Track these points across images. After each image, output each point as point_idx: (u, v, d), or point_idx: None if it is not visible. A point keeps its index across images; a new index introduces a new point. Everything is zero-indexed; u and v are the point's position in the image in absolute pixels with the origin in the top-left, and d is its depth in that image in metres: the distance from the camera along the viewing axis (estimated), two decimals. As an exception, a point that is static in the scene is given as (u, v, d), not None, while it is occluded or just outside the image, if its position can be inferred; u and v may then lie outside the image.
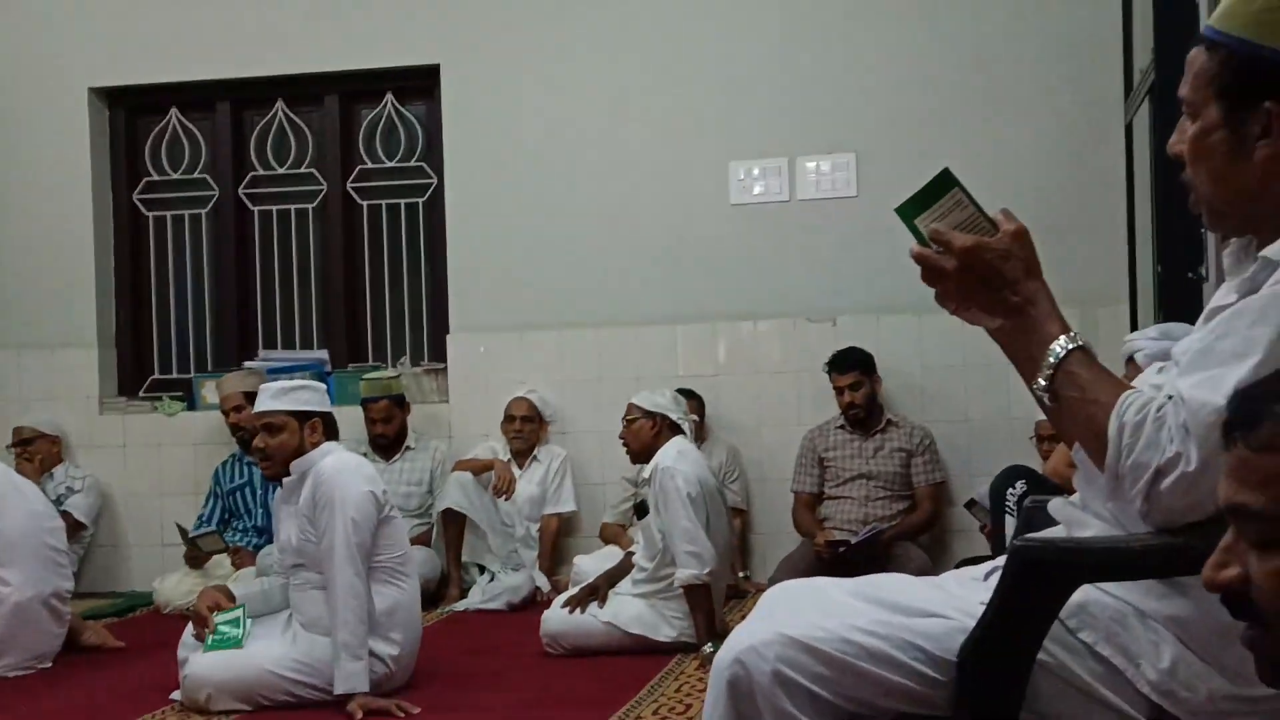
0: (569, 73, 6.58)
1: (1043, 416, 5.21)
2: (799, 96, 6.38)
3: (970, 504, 5.66)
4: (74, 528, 6.36)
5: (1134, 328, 5.41)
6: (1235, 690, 1.65)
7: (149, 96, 7.13)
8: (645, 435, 4.94)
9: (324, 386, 4.43)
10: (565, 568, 6.14)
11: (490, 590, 5.89)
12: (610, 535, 6.16)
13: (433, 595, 5.85)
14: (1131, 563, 1.64)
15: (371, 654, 4.10)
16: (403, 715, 4.01)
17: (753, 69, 6.43)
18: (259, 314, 7.15)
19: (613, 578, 5.06)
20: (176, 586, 6.07)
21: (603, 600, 4.94)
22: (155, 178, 7.22)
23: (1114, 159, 5.93)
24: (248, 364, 6.82)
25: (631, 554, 5.13)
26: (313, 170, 7.09)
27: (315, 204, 7.09)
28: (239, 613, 4.21)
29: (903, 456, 5.90)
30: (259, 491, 6.31)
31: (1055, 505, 1.89)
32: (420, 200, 7.00)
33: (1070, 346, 1.72)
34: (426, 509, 6.32)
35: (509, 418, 6.35)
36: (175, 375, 7.18)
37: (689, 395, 6.14)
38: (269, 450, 4.23)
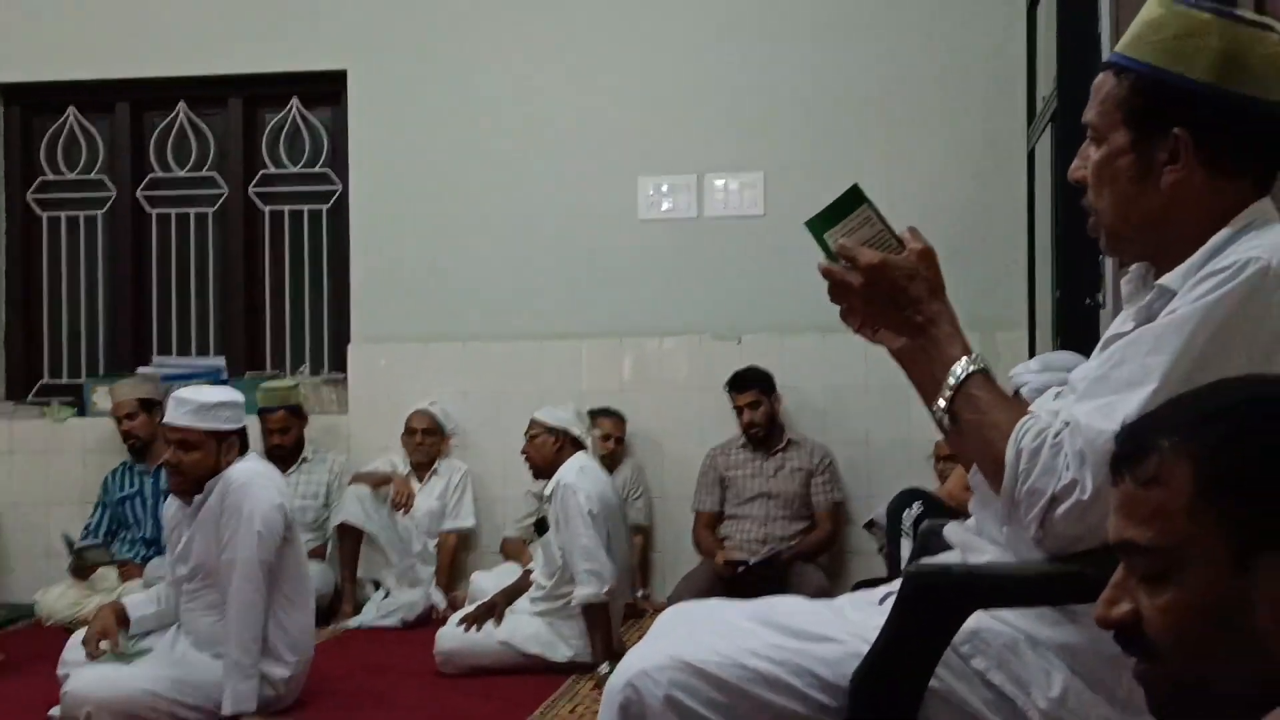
0: (478, 82, 6.53)
1: (941, 437, 5.33)
2: (709, 114, 6.39)
3: (869, 524, 5.68)
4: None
5: (1032, 353, 5.47)
6: (1124, 719, 1.64)
7: (46, 94, 6.95)
8: (547, 451, 4.90)
9: (242, 399, 4.24)
10: (463, 584, 6.05)
11: (385, 607, 5.79)
12: (512, 550, 6.10)
13: (325, 611, 5.71)
14: (1025, 590, 1.63)
15: (261, 676, 4.00)
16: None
17: (663, 84, 6.43)
18: (154, 319, 6.99)
19: (510, 595, 4.99)
20: (60, 599, 5.87)
21: (499, 618, 4.88)
22: (51, 177, 7.04)
23: (1016, 184, 6.01)
24: (142, 370, 6.65)
25: (530, 571, 5.07)
26: (214, 174, 6.95)
27: (215, 208, 6.95)
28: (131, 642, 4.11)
29: (803, 476, 5.91)
30: (149, 502, 6.15)
31: (951, 530, 1.88)
32: (324, 207, 6.89)
33: (971, 369, 1.71)
34: (322, 523, 6.19)
35: (410, 430, 6.27)
36: (66, 380, 6.99)
37: (610, 414, 6.13)
38: (182, 467, 4.08)
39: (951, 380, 1.71)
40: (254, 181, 6.90)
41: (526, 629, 4.83)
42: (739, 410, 5.93)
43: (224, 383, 6.45)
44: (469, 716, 4.22)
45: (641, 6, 6.47)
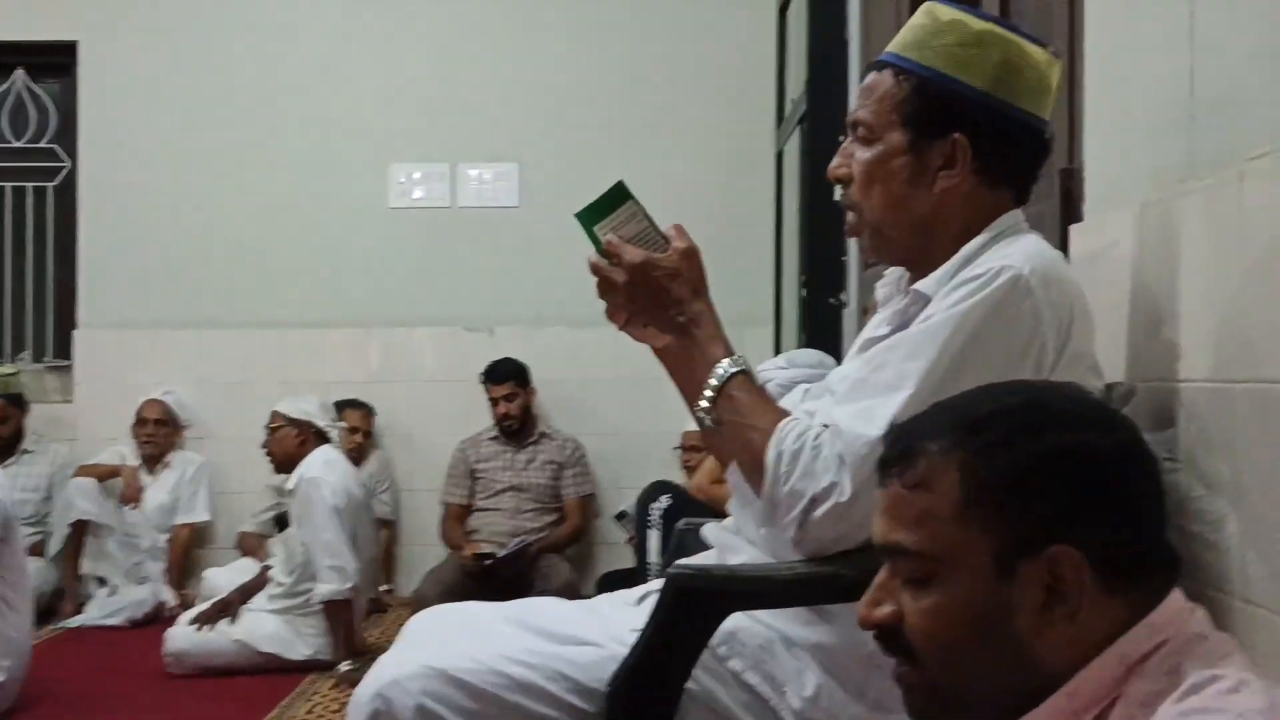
0: (221, 59, 6.27)
1: (689, 428, 5.40)
2: (463, 102, 6.30)
3: (620, 515, 5.71)
4: None
5: (778, 350, 5.60)
6: (875, 717, 1.66)
7: None
8: (290, 444, 4.74)
9: None
10: (195, 581, 5.81)
11: (110, 605, 5.52)
12: (249, 546, 5.88)
13: (45, 610, 5.42)
14: (784, 591, 1.63)
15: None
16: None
17: (417, 71, 6.31)
18: None
19: (247, 592, 4.83)
20: None
21: (235, 617, 4.71)
22: None
23: (764, 184, 6.13)
24: None
25: (268, 568, 4.91)
26: (-70, 146, 6.48)
27: (-69, 182, 6.48)
28: None
29: (554, 469, 5.90)
30: None
31: (709, 530, 1.87)
32: (50, 184, 6.50)
33: (733, 370, 1.71)
34: (43, 517, 5.87)
35: (140, 421, 5.98)
36: None
37: (357, 406, 5.97)
38: None
39: (714, 381, 1.70)
40: (-28, 155, 6.46)
41: (263, 627, 4.68)
42: (494, 402, 5.87)
43: (-67, 368, 6.05)
44: (201, 718, 4.05)
45: (395, -11, 6.34)
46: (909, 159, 1.70)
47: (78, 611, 5.56)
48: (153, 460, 6.00)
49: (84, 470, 5.75)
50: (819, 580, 1.61)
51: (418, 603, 5.28)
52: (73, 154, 6.40)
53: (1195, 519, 1.64)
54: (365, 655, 4.78)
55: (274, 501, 5.91)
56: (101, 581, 5.66)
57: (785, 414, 1.68)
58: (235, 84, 6.27)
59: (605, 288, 1.75)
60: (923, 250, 1.73)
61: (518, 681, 1.65)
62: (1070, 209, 2.28)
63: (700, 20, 6.30)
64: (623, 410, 6.17)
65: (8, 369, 6.08)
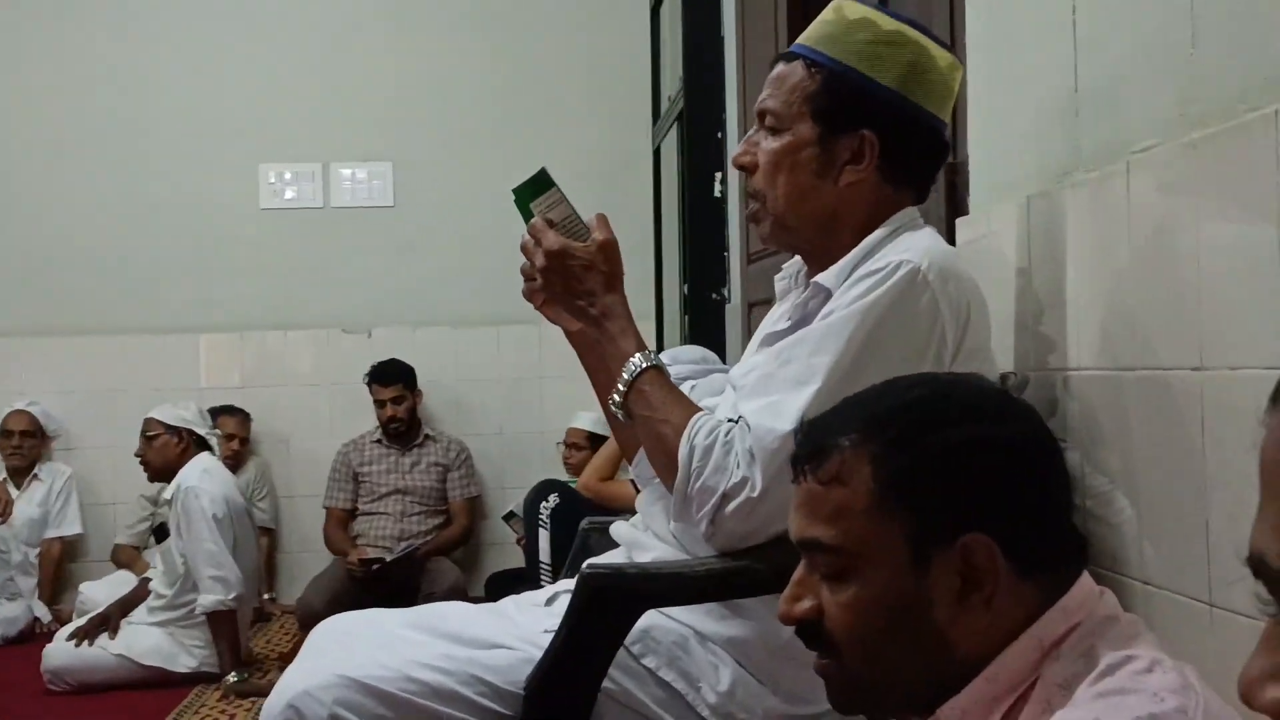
0: (85, 56, 6.08)
1: (573, 424, 5.40)
2: (334, 101, 6.20)
3: (509, 516, 5.69)
4: None
5: (661, 346, 5.62)
6: (789, 710, 1.69)
7: None
8: (170, 452, 4.62)
9: None
10: (70, 595, 5.65)
11: (-20, 623, 5.33)
12: (125, 558, 5.74)
13: (-90, 631, 5.24)
14: (696, 587, 1.65)
15: None
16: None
17: (287, 68, 6.19)
18: None
19: (126, 606, 4.72)
20: None
21: (114, 631, 4.60)
22: None
23: (642, 182, 6.16)
24: None
25: (148, 580, 4.80)
26: None
27: None
28: None
29: (439, 471, 5.85)
30: None
31: (617, 528, 1.88)
32: (-101, 185, 6.25)
33: (644, 365, 1.72)
34: (-98, 535, 5.64)
35: (5, 433, 5.80)
36: None
37: (232, 412, 5.85)
38: None
39: (626, 375, 1.72)
40: None
41: (145, 640, 4.59)
42: (380, 404, 5.80)
43: None
44: (86, 737, 3.95)
45: (263, -13, 6.22)
46: (817, 151, 1.72)
47: (-55, 631, 5.38)
48: (20, 473, 5.83)
49: (-54, 486, 5.56)
50: (732, 575, 1.62)
51: (303, 610, 5.22)
52: (-73, 154, 6.16)
53: (1090, 504, 1.69)
54: (252, 665, 4.71)
55: (148, 512, 5.78)
56: (-31, 600, 5.48)
57: (697, 409, 1.69)
58: (101, 83, 6.09)
59: (527, 268, 1.78)
60: (823, 242, 1.76)
61: (433, 687, 1.63)
62: (955, 203, 2.33)
63: (574, 19, 6.29)
64: (504, 410, 6.15)
65: None
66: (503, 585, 5.26)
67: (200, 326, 6.14)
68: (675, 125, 5.36)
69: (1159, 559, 1.53)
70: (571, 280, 1.75)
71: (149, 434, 4.65)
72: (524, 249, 1.78)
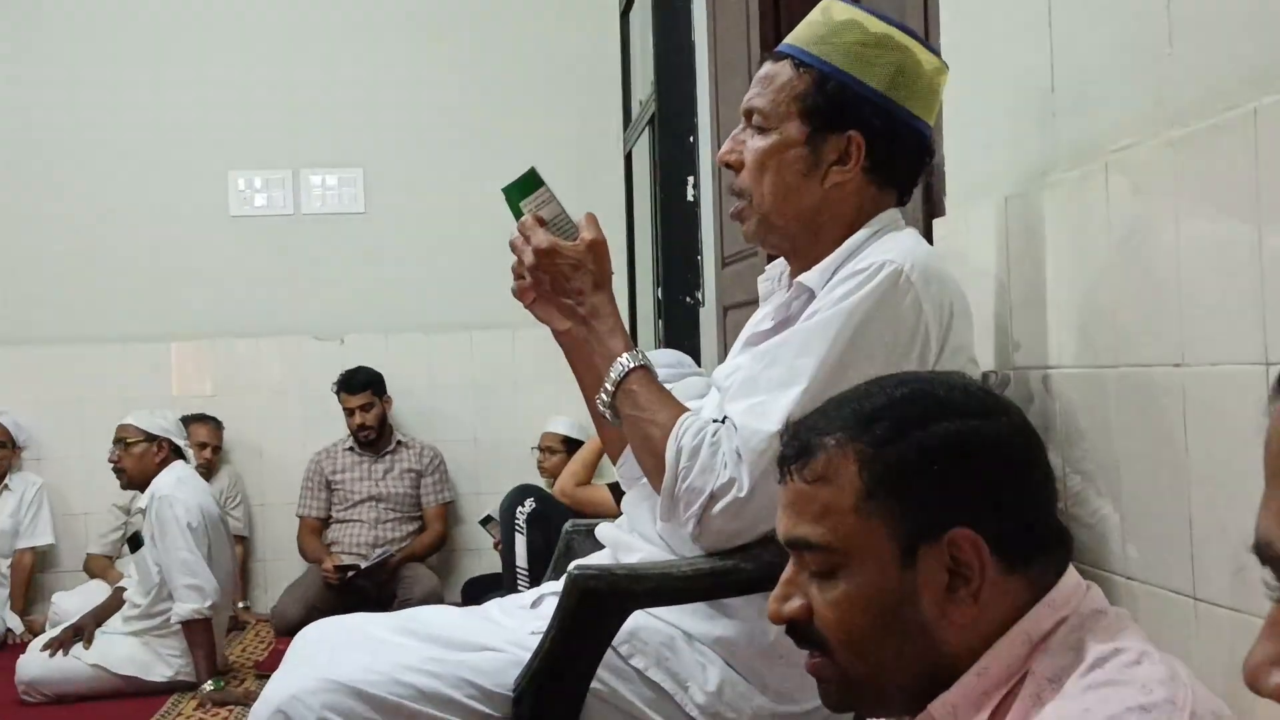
0: (52, 63, 6.03)
1: (547, 429, 5.40)
2: (305, 108, 6.18)
3: (486, 520, 5.68)
4: None
5: (635, 350, 5.62)
6: (777, 708, 1.69)
7: None
8: (149, 461, 4.57)
9: None
10: (42, 606, 5.61)
11: (-47, 635, 5.29)
12: (98, 568, 5.71)
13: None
14: (683, 587, 1.65)
15: None
16: None
17: (256, 74, 6.16)
18: None
19: (101, 615, 4.69)
20: None
21: (89, 641, 4.58)
22: None
23: (614, 186, 6.16)
24: None
25: (122, 589, 4.77)
26: None
27: None
28: None
29: (413, 477, 5.84)
30: None
31: (603, 529, 1.89)
32: None
33: (631, 365, 1.72)
34: None
35: (-26, 443, 5.74)
36: None
37: (204, 420, 5.82)
38: None
39: (614, 374, 1.73)
40: None
41: (120, 650, 4.56)
42: (349, 412, 5.78)
43: None
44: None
45: (232, -7, 6.19)
46: (804, 151, 1.74)
47: (-85, 645, 5.33)
48: (-11, 484, 5.78)
49: (-85, 498, 5.51)
50: (719, 575, 1.63)
51: (278, 619, 5.20)
52: (-110, 163, 6.10)
53: (1072, 501, 1.70)
54: (228, 674, 4.69)
55: (121, 521, 5.75)
56: (-60, 612, 5.44)
57: (684, 409, 1.70)
58: (69, 90, 6.04)
59: (518, 266, 1.78)
60: (807, 241, 1.77)
61: (422, 691, 1.63)
62: (932, 203, 2.34)
63: (545, 24, 6.28)
64: (478, 415, 6.14)
65: None
66: (479, 590, 5.25)
67: (171, 335, 6.11)
68: (647, 129, 5.37)
69: (1142, 554, 1.55)
70: (560, 279, 1.76)
71: (128, 441, 4.59)
72: (514, 247, 1.78)
